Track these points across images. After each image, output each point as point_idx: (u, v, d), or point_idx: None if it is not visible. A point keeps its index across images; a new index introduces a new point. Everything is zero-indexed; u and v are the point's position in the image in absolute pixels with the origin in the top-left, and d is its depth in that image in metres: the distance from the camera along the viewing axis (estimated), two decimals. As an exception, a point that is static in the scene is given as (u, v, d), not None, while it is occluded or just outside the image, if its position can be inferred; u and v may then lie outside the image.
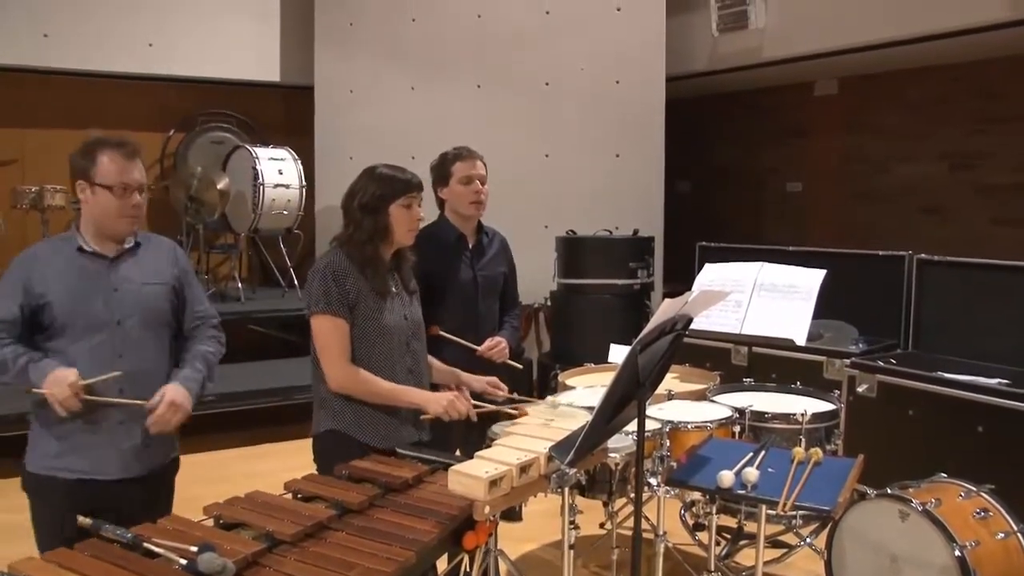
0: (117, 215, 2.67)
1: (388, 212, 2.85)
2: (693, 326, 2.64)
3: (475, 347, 3.39)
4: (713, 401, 3.59)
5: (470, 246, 3.56)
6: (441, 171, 3.52)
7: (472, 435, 3.12)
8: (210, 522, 2.13)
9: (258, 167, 7.02)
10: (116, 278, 2.70)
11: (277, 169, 7.16)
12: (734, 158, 9.38)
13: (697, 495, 3.26)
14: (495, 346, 3.46)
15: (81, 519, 1.98)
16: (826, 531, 3.37)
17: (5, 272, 2.63)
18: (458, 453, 2.99)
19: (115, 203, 2.65)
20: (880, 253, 5.27)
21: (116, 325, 2.66)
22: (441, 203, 3.58)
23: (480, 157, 3.52)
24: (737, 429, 3.36)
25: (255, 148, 7.27)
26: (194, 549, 1.79)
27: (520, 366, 3.71)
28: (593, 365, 4.13)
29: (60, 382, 2.48)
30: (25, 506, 2.71)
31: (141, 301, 2.73)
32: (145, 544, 1.87)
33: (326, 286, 2.78)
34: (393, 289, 2.91)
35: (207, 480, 2.79)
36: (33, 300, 2.58)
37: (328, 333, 2.78)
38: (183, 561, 1.78)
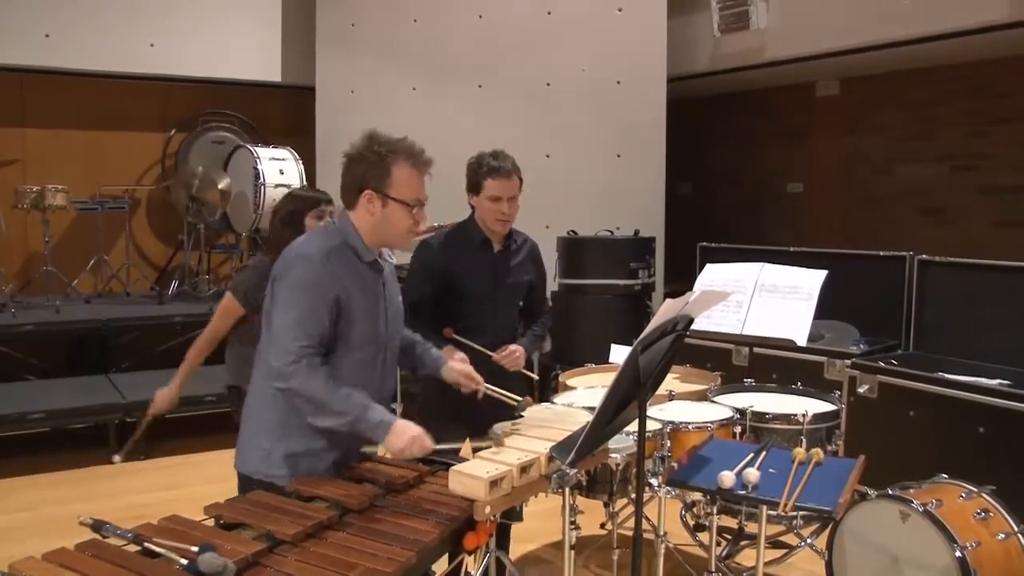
0: (407, 232, 2.54)
1: (303, 224, 3.55)
2: (694, 327, 2.64)
3: (490, 353, 3.30)
4: (714, 402, 3.59)
5: (494, 251, 3.49)
6: (474, 179, 3.44)
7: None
8: (211, 522, 2.13)
9: (259, 167, 7.02)
10: (385, 293, 2.62)
11: (278, 169, 7.16)
12: (735, 158, 9.37)
13: (698, 495, 3.26)
14: (509, 354, 3.38)
15: (82, 519, 1.98)
16: (827, 532, 3.37)
17: (293, 274, 2.41)
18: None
19: (409, 221, 2.51)
20: (881, 254, 5.27)
21: (385, 342, 2.60)
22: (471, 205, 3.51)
23: (516, 172, 3.43)
24: (738, 430, 3.36)
25: (256, 148, 7.27)
26: (195, 549, 1.79)
27: (536, 376, 3.64)
28: (594, 365, 4.13)
29: (414, 442, 2.41)
30: (25, 507, 2.71)
31: (399, 318, 2.71)
32: (146, 544, 1.87)
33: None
34: None
35: (208, 480, 2.79)
36: (337, 311, 2.43)
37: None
38: (184, 561, 1.78)
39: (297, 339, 2.36)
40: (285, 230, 3.50)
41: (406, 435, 2.40)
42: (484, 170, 3.40)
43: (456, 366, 2.89)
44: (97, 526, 1.94)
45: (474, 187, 3.45)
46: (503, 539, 3.69)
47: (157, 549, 1.85)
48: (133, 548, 1.89)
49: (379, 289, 2.59)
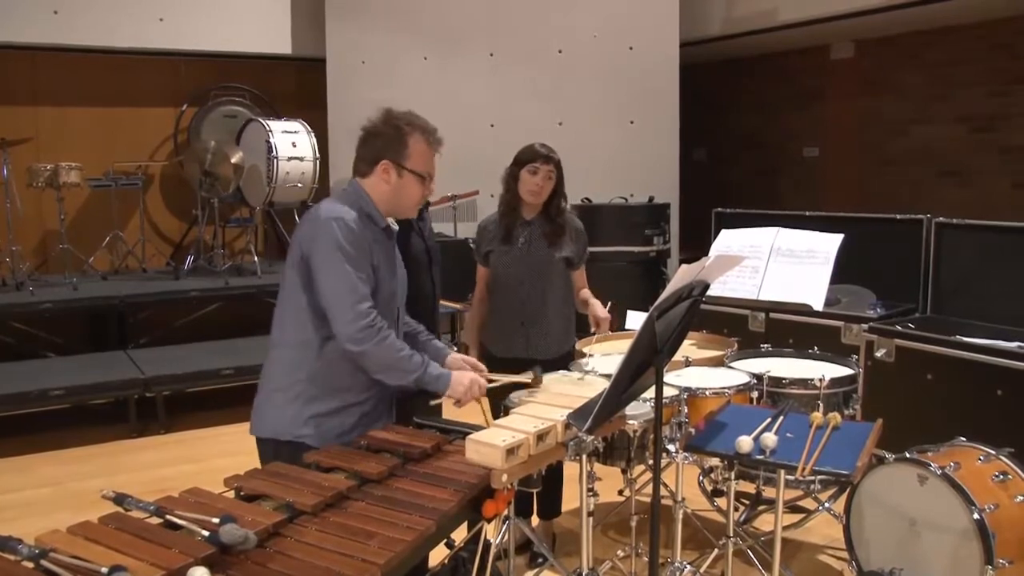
0: (417, 203, 2.68)
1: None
2: (710, 292, 2.63)
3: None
4: (731, 367, 3.59)
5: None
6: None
7: None
8: (231, 494, 2.14)
9: (271, 140, 7.01)
10: (397, 258, 2.75)
11: (291, 142, 7.15)
12: (750, 123, 9.30)
13: (715, 461, 3.27)
14: None
15: (104, 493, 2.00)
16: (845, 496, 3.38)
17: (336, 239, 2.46)
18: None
19: (420, 192, 2.64)
20: (898, 217, 5.23)
21: (399, 303, 2.72)
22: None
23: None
24: (755, 395, 3.36)
25: (268, 121, 7.26)
26: (216, 521, 1.80)
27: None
28: (610, 332, 4.13)
29: (473, 385, 2.61)
30: (49, 482, 2.73)
31: (405, 281, 2.81)
32: (168, 516, 1.89)
33: None
34: None
35: (228, 453, 2.81)
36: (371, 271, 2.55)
37: None
38: (205, 532, 1.79)
39: (361, 301, 2.46)
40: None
41: (465, 381, 2.61)
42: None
43: (459, 357, 2.90)
44: (120, 499, 1.96)
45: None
46: (528, 507, 3.73)
47: (179, 521, 1.87)
48: (155, 520, 1.90)
49: (393, 253, 2.72)
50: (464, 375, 2.62)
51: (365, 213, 2.59)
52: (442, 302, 6.13)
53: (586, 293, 3.81)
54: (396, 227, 2.80)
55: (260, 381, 2.68)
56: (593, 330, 3.67)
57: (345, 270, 2.45)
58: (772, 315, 4.64)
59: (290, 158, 7.08)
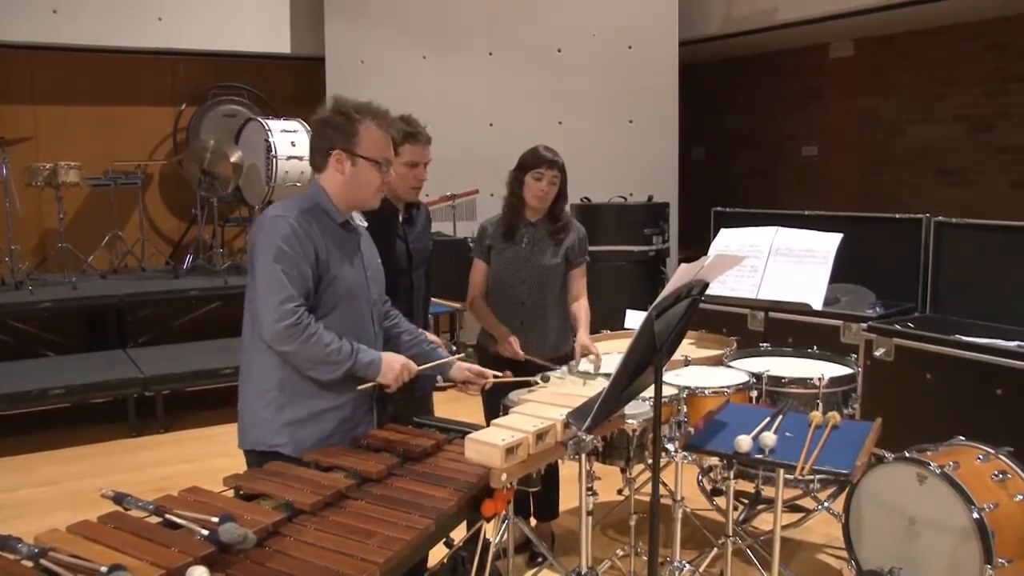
0: (376, 191, 2.60)
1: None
2: (709, 292, 2.63)
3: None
4: (730, 366, 3.59)
5: (400, 219, 3.32)
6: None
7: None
8: (230, 493, 2.15)
9: (270, 139, 6.99)
10: (362, 254, 2.67)
11: (290, 141, 7.12)
12: (749, 122, 9.30)
13: (715, 460, 3.27)
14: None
15: (104, 492, 1.99)
16: (844, 495, 3.38)
17: (271, 236, 2.41)
18: None
19: (378, 179, 2.57)
20: (897, 216, 5.23)
21: (368, 300, 2.65)
22: None
23: (430, 139, 3.30)
24: (754, 394, 3.36)
25: (267, 120, 7.24)
26: (215, 520, 1.80)
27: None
28: (609, 332, 4.13)
29: (404, 369, 2.55)
30: (48, 481, 2.73)
31: (379, 277, 2.76)
32: (167, 515, 1.89)
33: None
34: None
35: (227, 452, 2.81)
36: (318, 267, 2.47)
37: None
38: (205, 532, 1.79)
39: (286, 301, 2.38)
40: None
41: (396, 365, 2.53)
42: (400, 135, 3.18)
43: (464, 364, 2.87)
44: (119, 498, 1.96)
45: None
46: (527, 506, 3.73)
47: (178, 520, 1.87)
48: (155, 520, 1.90)
49: (355, 248, 2.63)
50: (395, 360, 2.55)
51: (321, 209, 2.53)
52: (443, 302, 6.16)
53: (579, 310, 3.74)
54: (364, 223, 2.73)
55: (239, 390, 2.62)
56: (580, 357, 3.52)
57: (272, 268, 2.39)
58: (771, 314, 4.63)
59: (289, 157, 7.06)
